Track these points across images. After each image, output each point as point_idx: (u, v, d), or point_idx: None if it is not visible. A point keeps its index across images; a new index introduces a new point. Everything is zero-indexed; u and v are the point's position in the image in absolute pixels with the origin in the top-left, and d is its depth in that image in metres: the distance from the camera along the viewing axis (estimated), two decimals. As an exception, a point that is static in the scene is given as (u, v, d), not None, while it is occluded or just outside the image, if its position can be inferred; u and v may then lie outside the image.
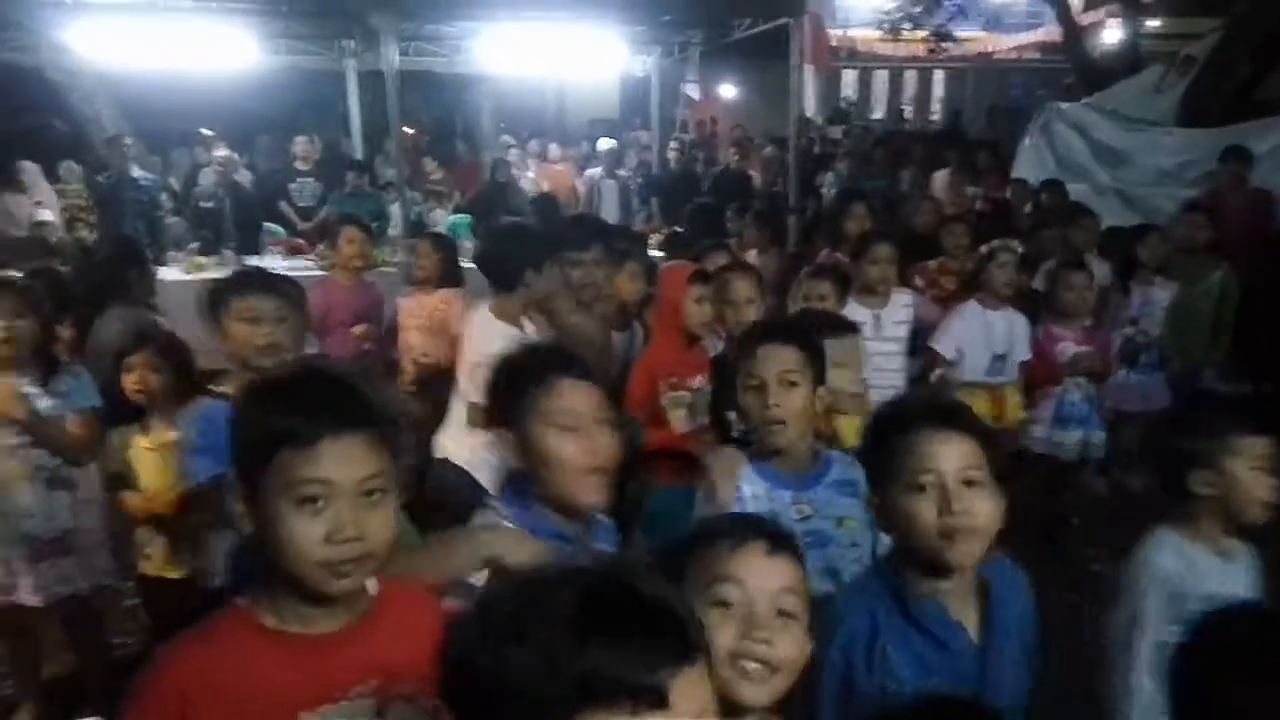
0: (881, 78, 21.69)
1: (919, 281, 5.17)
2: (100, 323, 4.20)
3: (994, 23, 19.18)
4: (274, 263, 6.98)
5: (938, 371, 4.41)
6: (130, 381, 3.24)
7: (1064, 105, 9.19)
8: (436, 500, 3.33)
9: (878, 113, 21.05)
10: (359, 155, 10.24)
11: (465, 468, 3.35)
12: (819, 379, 2.28)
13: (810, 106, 11.02)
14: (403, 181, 8.27)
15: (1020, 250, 4.73)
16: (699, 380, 3.41)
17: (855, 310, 3.91)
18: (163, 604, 3.32)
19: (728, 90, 18.03)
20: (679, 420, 3.38)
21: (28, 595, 3.19)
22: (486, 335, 3.38)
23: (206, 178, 9.67)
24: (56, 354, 3.30)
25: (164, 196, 9.37)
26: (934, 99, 21.78)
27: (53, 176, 9.66)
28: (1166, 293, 5.28)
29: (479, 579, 1.59)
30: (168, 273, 7.14)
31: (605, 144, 10.87)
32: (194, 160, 11.15)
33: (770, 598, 1.40)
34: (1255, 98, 8.70)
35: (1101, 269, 5.25)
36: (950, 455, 1.64)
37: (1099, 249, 5.68)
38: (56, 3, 7.13)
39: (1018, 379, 4.47)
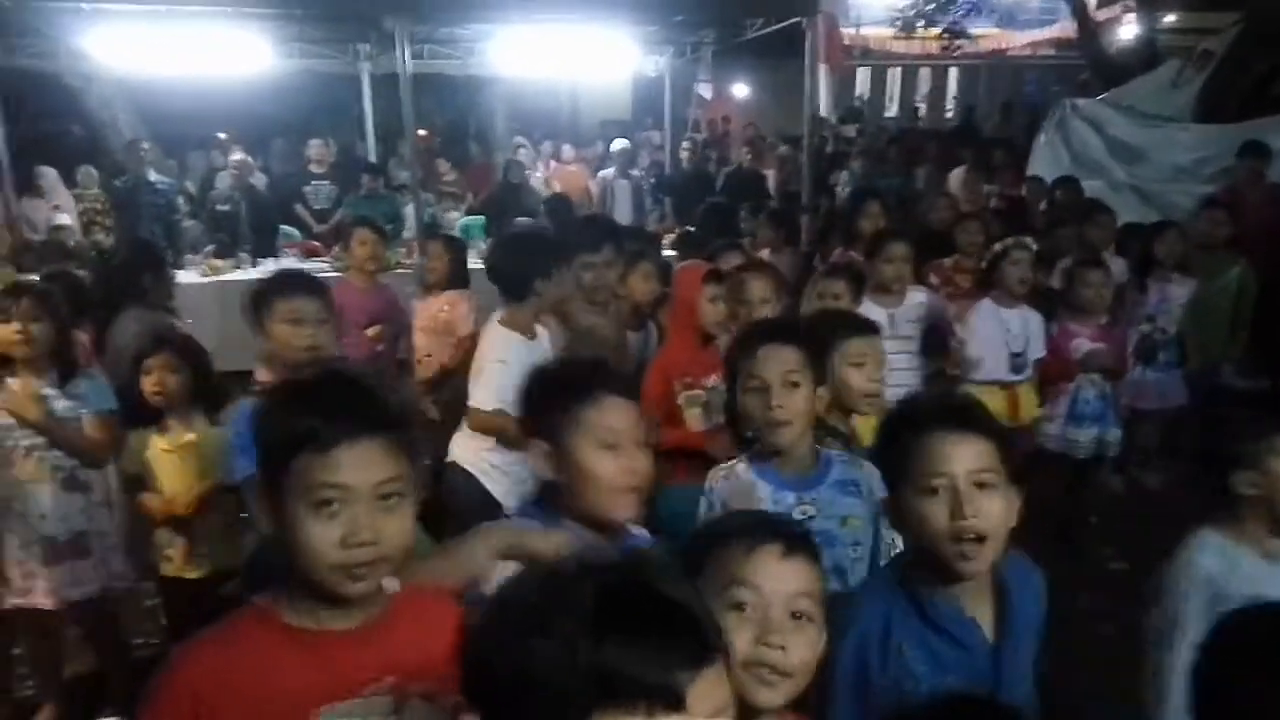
0: (895, 76, 21.59)
1: (934, 279, 5.15)
2: (117, 325, 4.23)
3: (1008, 19, 19.03)
4: (289, 265, 7.01)
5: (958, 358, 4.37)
6: (148, 384, 3.26)
7: (1079, 101, 9.14)
8: (449, 504, 3.36)
9: (891, 111, 20.98)
10: (373, 158, 10.29)
11: (473, 472, 3.38)
12: (819, 379, 2.28)
13: (824, 105, 11.00)
14: (416, 183, 8.28)
15: (1035, 247, 4.70)
16: (714, 379, 3.40)
17: (870, 309, 3.89)
18: (182, 604, 3.35)
19: (740, 90, 18.01)
20: (695, 419, 3.38)
21: (42, 598, 3.22)
22: (493, 344, 3.40)
23: (222, 181, 9.74)
24: (74, 357, 3.32)
25: (180, 200, 9.44)
26: (948, 96, 21.65)
27: (70, 181, 9.77)
28: (1184, 289, 5.25)
29: (494, 583, 1.58)
30: (184, 276, 7.21)
31: (618, 144, 10.87)
32: (210, 164, 11.23)
33: (785, 601, 1.40)
34: (1273, 93, 8.62)
35: (1118, 266, 5.22)
36: (962, 457, 1.62)
37: (1115, 246, 5.65)
38: (74, 9, 7.16)
39: (1033, 377, 4.45)
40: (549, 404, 1.81)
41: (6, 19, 7.57)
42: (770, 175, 11.44)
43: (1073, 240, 5.67)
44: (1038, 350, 4.42)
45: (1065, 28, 15.91)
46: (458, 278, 5.04)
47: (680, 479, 3.23)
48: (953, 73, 21.37)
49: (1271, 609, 1.37)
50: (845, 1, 16.35)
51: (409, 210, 8.51)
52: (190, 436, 3.29)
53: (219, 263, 7.95)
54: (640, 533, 1.97)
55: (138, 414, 3.34)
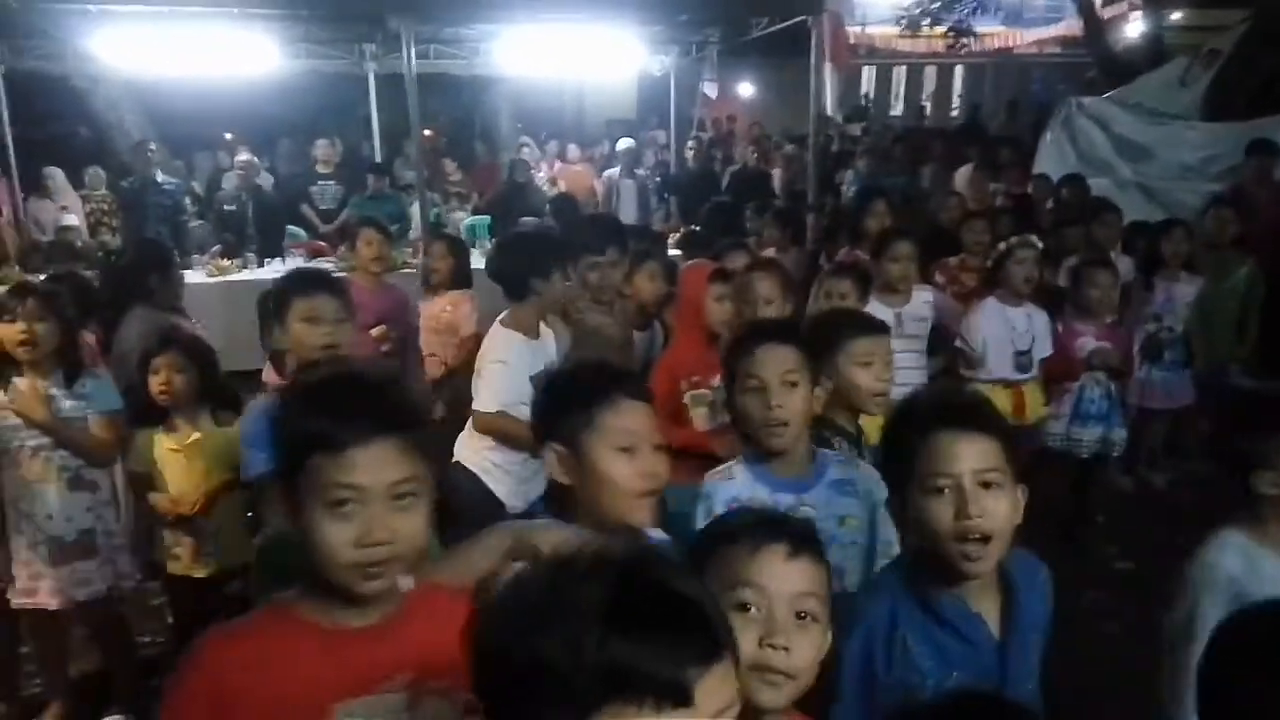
0: (900, 74, 21.55)
1: (940, 278, 5.15)
2: (124, 325, 4.24)
3: (1014, 17, 18.97)
4: (299, 265, 7.02)
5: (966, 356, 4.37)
6: (155, 383, 3.27)
7: (1085, 100, 9.11)
8: (452, 503, 3.37)
9: (897, 109, 20.95)
10: (379, 158, 10.30)
11: (475, 472, 3.39)
12: (815, 378, 2.28)
13: (829, 104, 10.95)
14: (422, 183, 8.30)
15: (1041, 246, 4.69)
16: (720, 379, 3.41)
17: (876, 308, 3.88)
18: (189, 603, 3.36)
19: (746, 89, 18.00)
20: (700, 418, 3.38)
21: (48, 598, 3.23)
22: (494, 345, 3.42)
23: (229, 181, 9.77)
24: (79, 357, 3.33)
25: (187, 200, 9.49)
26: (954, 95, 21.61)
27: (78, 182, 9.81)
28: (1190, 288, 5.23)
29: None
30: (191, 276, 7.21)
31: (623, 144, 10.86)
32: (216, 164, 11.27)
33: (789, 602, 1.39)
34: (1280, 90, 8.61)
35: (1124, 264, 5.21)
36: (967, 457, 1.61)
37: (1122, 244, 5.64)
38: (81, 11, 7.19)
39: (1039, 375, 4.45)
40: (563, 407, 1.78)
41: (13, 21, 7.62)
42: (776, 174, 11.42)
43: (1079, 239, 5.65)
44: (1044, 349, 4.41)
45: (1071, 25, 15.85)
46: (461, 278, 5.06)
47: (681, 479, 3.24)
48: (958, 71, 21.32)
49: (1271, 609, 1.36)
50: (850, 0, 16.33)
51: (415, 210, 8.53)
52: (197, 436, 3.30)
53: (225, 263, 7.98)
54: (656, 534, 1.95)
55: (145, 413, 3.35)
